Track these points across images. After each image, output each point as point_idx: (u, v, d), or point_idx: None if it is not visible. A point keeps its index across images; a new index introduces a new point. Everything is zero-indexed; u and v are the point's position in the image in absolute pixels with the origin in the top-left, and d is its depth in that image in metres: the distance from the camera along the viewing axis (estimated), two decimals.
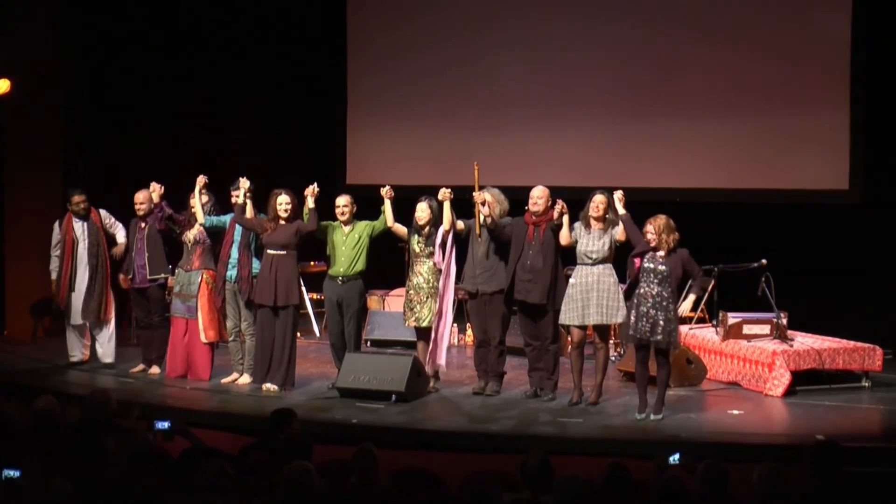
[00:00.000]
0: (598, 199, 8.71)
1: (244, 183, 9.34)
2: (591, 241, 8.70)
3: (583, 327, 8.77)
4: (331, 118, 13.74)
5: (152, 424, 6.07)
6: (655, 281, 8.29)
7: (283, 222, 9.27)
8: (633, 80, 12.30)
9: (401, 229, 9.40)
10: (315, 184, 9.22)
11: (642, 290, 8.33)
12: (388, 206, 9.31)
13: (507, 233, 9.02)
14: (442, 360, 9.27)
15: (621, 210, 8.58)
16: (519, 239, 8.96)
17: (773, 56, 11.77)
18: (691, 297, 8.58)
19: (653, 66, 12.23)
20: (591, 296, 8.67)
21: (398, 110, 13.46)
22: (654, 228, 8.31)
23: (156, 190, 9.76)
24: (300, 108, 13.58)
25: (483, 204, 9.00)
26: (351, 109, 13.69)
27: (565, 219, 8.70)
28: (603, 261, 8.67)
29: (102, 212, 10.30)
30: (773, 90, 11.76)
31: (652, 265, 8.33)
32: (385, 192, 9.30)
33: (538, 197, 8.94)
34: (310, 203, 9.22)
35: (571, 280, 8.80)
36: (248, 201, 9.36)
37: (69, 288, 10.20)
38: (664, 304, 8.27)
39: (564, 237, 8.76)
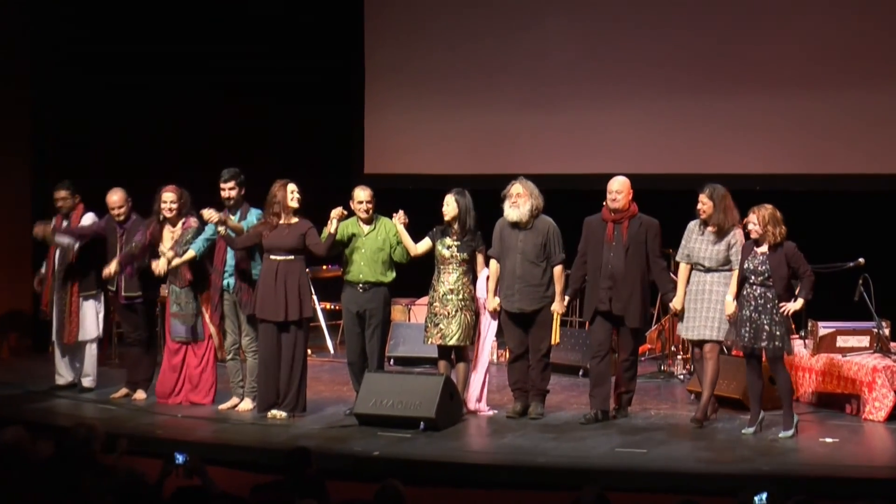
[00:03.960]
0: (700, 198, 8.79)
1: (210, 215, 9.08)
2: (704, 245, 8.81)
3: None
4: (345, 92, 13.70)
5: (172, 458, 6.10)
6: (757, 282, 8.49)
7: (285, 221, 9.20)
8: (706, 48, 12.24)
9: (425, 247, 9.35)
10: (342, 207, 9.16)
11: (745, 292, 8.55)
12: (403, 233, 9.29)
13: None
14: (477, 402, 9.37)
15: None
16: (597, 240, 8.97)
17: (871, 17, 11.64)
18: (799, 302, 8.61)
19: (729, 30, 12.15)
20: (698, 306, 8.82)
21: (425, 84, 13.44)
22: (759, 219, 8.48)
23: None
24: (309, 81, 13.48)
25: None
26: (369, 82, 13.67)
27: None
28: (718, 269, 8.75)
29: (88, 215, 10.20)
30: (872, 59, 11.63)
31: (752, 265, 8.51)
32: (399, 217, 9.24)
33: (617, 191, 8.92)
34: (331, 227, 9.15)
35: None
36: (228, 229, 9.19)
37: (51, 297, 10.23)
38: (769, 306, 8.47)
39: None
